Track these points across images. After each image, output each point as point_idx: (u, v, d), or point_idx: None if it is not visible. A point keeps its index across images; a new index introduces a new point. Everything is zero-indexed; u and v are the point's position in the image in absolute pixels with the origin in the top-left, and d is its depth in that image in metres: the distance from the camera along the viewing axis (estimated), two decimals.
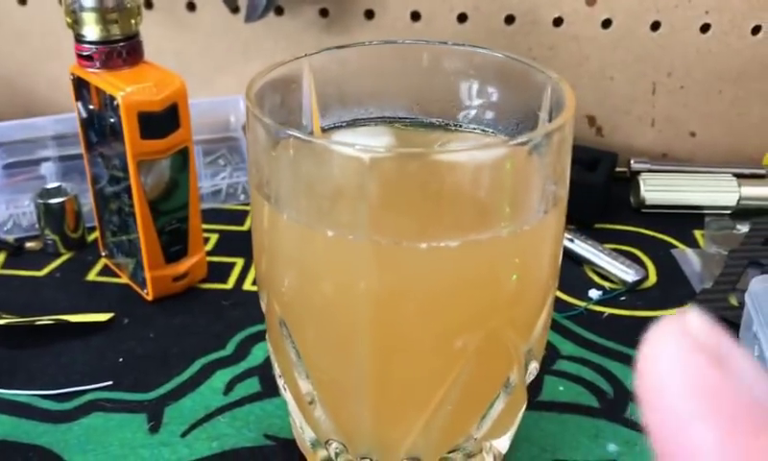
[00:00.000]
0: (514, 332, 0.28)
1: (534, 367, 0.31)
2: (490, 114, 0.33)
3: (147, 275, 0.43)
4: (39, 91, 0.62)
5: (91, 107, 0.41)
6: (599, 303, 0.45)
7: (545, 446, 0.35)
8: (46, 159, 0.55)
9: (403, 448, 0.30)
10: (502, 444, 0.33)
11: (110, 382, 0.38)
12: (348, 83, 0.34)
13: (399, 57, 0.34)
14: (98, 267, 0.47)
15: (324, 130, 0.34)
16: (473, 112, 0.33)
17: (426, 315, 0.27)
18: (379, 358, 0.28)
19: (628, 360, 0.40)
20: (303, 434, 0.33)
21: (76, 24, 0.40)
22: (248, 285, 0.46)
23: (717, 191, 0.54)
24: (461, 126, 0.34)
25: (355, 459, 0.31)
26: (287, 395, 0.32)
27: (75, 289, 0.45)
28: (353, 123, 0.34)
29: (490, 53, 0.33)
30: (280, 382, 0.32)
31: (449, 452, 0.30)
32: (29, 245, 0.49)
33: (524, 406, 0.33)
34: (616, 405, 0.37)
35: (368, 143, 0.33)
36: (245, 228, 0.52)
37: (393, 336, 0.27)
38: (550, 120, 0.30)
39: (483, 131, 0.33)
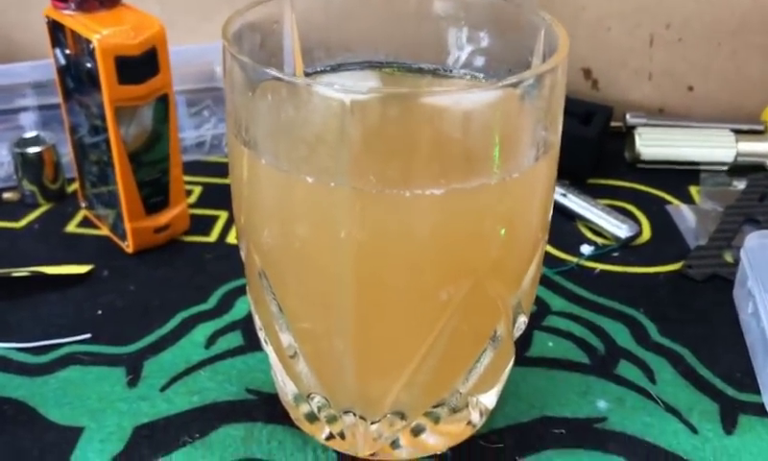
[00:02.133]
0: (501, 284, 0.27)
1: (522, 321, 0.31)
2: (480, 60, 0.31)
3: (127, 226, 0.41)
4: (15, 37, 0.60)
5: (68, 52, 0.40)
6: (591, 258, 0.44)
7: (533, 401, 0.34)
8: (25, 109, 0.54)
9: (387, 402, 0.29)
10: (489, 399, 0.32)
11: (88, 335, 0.37)
12: (332, 25, 0.33)
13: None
14: (77, 219, 0.46)
15: (306, 74, 0.32)
16: (464, 57, 0.32)
17: (410, 265, 0.25)
18: (362, 309, 0.27)
19: (619, 317, 0.40)
20: (285, 388, 0.32)
21: None
22: (231, 238, 0.45)
23: (714, 147, 0.52)
24: (450, 71, 0.32)
25: (338, 413, 0.30)
26: (268, 348, 0.31)
27: (54, 241, 0.44)
28: (338, 67, 0.33)
29: None
30: (261, 335, 0.31)
31: (434, 407, 0.30)
32: (6, 195, 0.47)
33: (512, 361, 0.32)
34: (607, 362, 0.37)
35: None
36: (228, 180, 0.50)
37: (375, 287, 0.26)
38: (543, 59, 0.28)
39: (473, 76, 0.32)
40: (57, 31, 0.40)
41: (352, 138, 0.24)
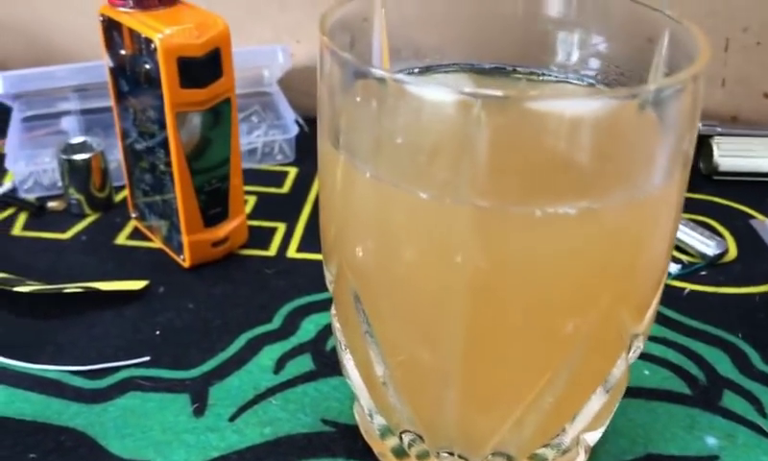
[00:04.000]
0: (628, 313, 0.24)
1: (636, 348, 0.27)
2: (591, 63, 0.28)
3: (184, 239, 0.39)
4: (57, 40, 0.58)
5: (123, 52, 0.37)
6: (678, 277, 0.41)
7: (636, 438, 0.31)
8: (67, 113, 0.51)
9: (491, 442, 0.26)
10: (594, 436, 0.29)
11: (148, 358, 0.34)
12: (423, 24, 0.30)
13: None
14: (127, 230, 0.43)
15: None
16: (570, 60, 0.29)
17: (534, 293, 0.23)
18: (473, 341, 0.24)
19: (717, 342, 0.36)
20: (372, 421, 0.29)
21: None
22: (292, 252, 0.42)
23: None
24: (551, 75, 0.29)
25: (433, 451, 0.27)
26: (355, 375, 0.28)
27: (103, 254, 0.41)
28: (426, 70, 0.30)
29: None
30: (348, 363, 0.28)
31: (542, 447, 0.27)
32: (51, 205, 0.45)
33: (622, 396, 0.29)
34: (710, 393, 0.34)
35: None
36: (284, 190, 0.48)
37: (491, 319, 0.23)
38: (668, 73, 0.26)
39: (589, 82, 0.29)
40: (112, 30, 0.37)
41: (476, 149, 0.21)
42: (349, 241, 0.25)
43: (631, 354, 0.27)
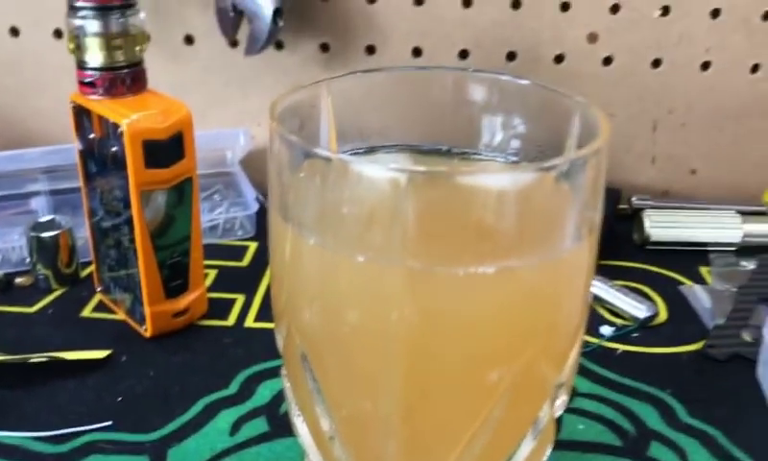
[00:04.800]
0: (548, 364, 0.27)
1: (562, 400, 0.30)
2: (514, 143, 0.32)
3: (146, 310, 0.41)
4: (29, 124, 0.61)
5: (92, 135, 0.40)
6: (612, 339, 0.44)
7: None
8: (37, 193, 0.54)
9: None
10: None
11: (109, 422, 0.36)
12: (366, 109, 0.33)
13: (419, 83, 0.33)
14: (93, 303, 0.45)
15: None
16: (496, 141, 0.32)
17: (462, 345, 0.25)
18: (410, 393, 0.26)
19: (647, 398, 0.39)
20: None
21: (78, 50, 0.38)
22: (250, 322, 0.44)
23: (721, 228, 0.53)
24: (481, 154, 0.33)
25: None
26: (304, 432, 0.30)
27: (69, 326, 0.43)
28: (371, 150, 0.33)
29: (513, 80, 0.32)
30: (297, 420, 0.30)
31: None
32: (19, 280, 0.47)
33: (551, 445, 0.31)
34: (639, 444, 0.36)
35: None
36: (244, 263, 0.50)
37: (425, 370, 0.26)
38: (579, 142, 0.29)
39: (507, 159, 0.32)
40: (81, 115, 0.40)
41: (406, 216, 0.24)
42: (297, 305, 0.28)
43: (558, 403, 0.30)
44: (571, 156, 0.25)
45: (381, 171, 0.24)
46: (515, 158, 0.32)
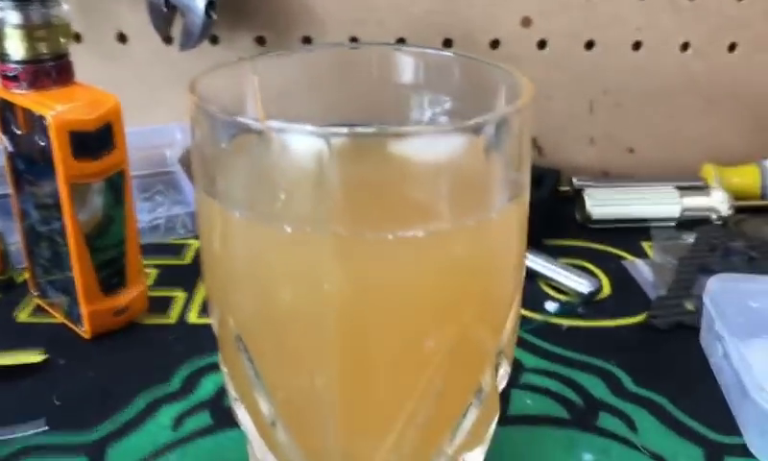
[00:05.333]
0: (485, 330, 0.27)
1: (505, 370, 0.30)
2: (443, 119, 0.32)
3: (83, 310, 0.40)
4: None
5: (18, 131, 0.39)
6: (557, 315, 0.44)
7: (518, 459, 0.33)
8: None
9: None
10: (475, 458, 0.31)
11: (46, 427, 0.34)
12: (293, 90, 0.33)
13: (346, 60, 0.33)
14: (29, 308, 0.44)
15: None
16: (426, 117, 0.32)
17: (396, 313, 0.25)
18: (347, 368, 0.26)
19: (594, 370, 0.39)
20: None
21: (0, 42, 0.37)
22: (192, 318, 0.43)
23: (661, 203, 0.54)
24: None
25: None
26: (246, 420, 0.30)
27: (4, 331, 0.42)
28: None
29: (441, 52, 0.32)
30: (238, 407, 0.30)
31: None
32: None
33: (497, 416, 0.31)
34: (587, 415, 0.36)
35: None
36: (186, 261, 0.49)
37: (360, 341, 0.25)
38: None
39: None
40: (6, 111, 0.39)
41: (332, 182, 0.24)
42: (228, 286, 0.27)
43: (500, 372, 0.30)
44: (494, 114, 0.25)
45: (305, 135, 0.24)
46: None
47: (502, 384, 0.30)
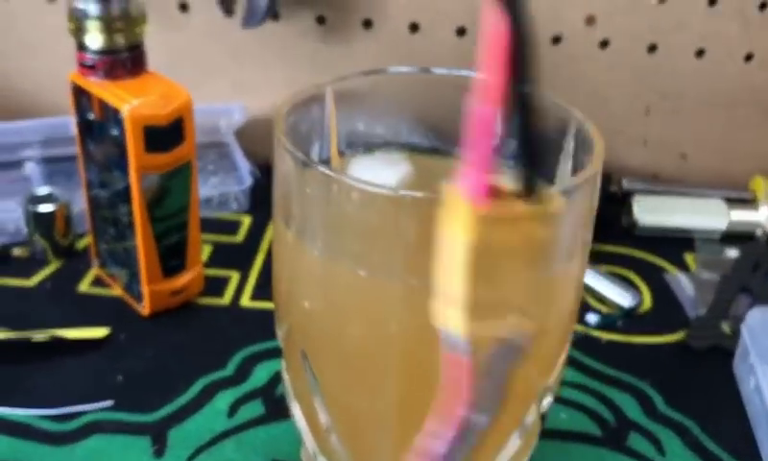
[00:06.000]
0: (536, 371, 0.28)
1: (548, 401, 0.32)
2: (511, 143, 0.33)
3: (145, 289, 0.42)
4: (23, 90, 0.60)
5: (91, 117, 0.40)
6: (597, 327, 0.45)
7: None
8: (30, 160, 0.54)
9: None
10: None
11: (111, 402, 0.37)
12: (367, 108, 0.34)
13: (421, 85, 0.34)
14: (90, 277, 0.46)
15: (341, 153, 0.33)
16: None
17: None
18: (405, 393, 0.27)
19: (628, 388, 0.41)
20: None
21: (79, 32, 0.38)
22: (245, 301, 0.45)
23: (708, 215, 0.54)
24: None
25: None
26: (301, 421, 0.32)
27: (67, 301, 0.44)
28: (370, 149, 0.34)
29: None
30: (296, 409, 0.32)
31: None
32: (16, 252, 0.47)
33: (537, 438, 0.33)
34: (619, 434, 0.38)
35: (388, 172, 0.33)
36: (239, 239, 0.51)
37: (420, 373, 0.27)
38: (574, 157, 0.30)
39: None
40: (81, 95, 0.40)
41: (407, 234, 0.25)
42: (297, 306, 0.28)
43: (543, 404, 0.31)
44: (566, 183, 0.25)
45: (382, 191, 0.25)
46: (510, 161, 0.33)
47: (544, 411, 0.32)
